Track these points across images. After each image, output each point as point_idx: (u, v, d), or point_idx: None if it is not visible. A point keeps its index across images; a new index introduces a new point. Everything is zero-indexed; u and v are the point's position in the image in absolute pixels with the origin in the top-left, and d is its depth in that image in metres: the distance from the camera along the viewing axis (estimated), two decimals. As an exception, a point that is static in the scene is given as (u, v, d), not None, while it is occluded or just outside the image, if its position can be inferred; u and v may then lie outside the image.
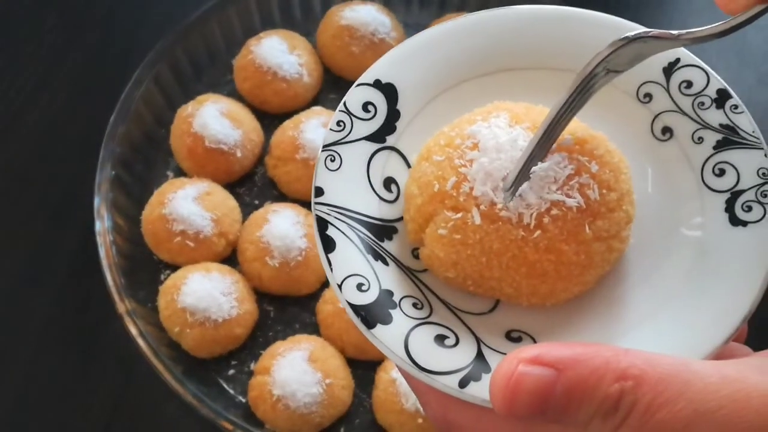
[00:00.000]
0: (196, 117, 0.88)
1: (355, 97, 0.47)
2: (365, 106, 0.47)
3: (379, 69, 0.48)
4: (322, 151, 0.45)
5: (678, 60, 0.47)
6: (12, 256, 0.88)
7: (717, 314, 0.41)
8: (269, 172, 0.91)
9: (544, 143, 0.41)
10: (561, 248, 0.42)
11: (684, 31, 0.39)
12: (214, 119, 0.88)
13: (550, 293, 0.43)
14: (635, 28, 0.43)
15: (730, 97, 0.46)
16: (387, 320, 0.41)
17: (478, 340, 0.42)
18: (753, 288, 0.41)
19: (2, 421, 0.80)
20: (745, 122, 0.46)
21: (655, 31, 0.40)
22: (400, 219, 0.46)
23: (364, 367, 0.81)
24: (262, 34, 0.96)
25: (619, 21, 0.48)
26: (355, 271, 0.42)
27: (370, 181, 0.46)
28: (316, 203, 0.44)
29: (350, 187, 0.45)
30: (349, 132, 0.46)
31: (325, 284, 0.85)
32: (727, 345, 0.40)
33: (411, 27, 0.99)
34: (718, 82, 0.47)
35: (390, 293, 0.43)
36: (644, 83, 0.48)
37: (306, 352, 0.78)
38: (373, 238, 0.44)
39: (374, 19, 0.95)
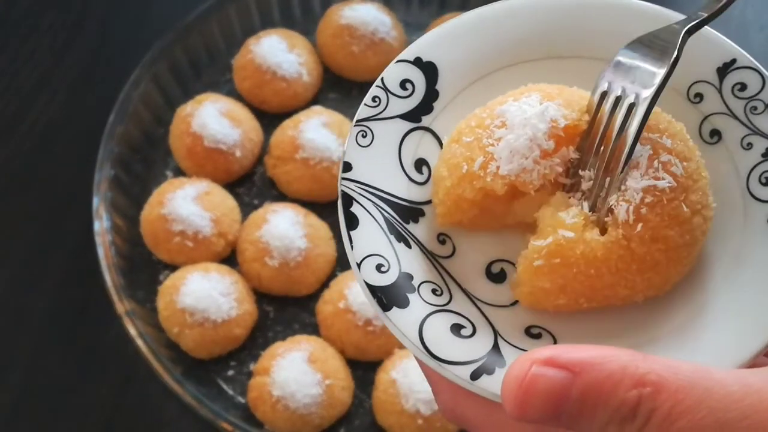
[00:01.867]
0: (195, 116, 0.88)
1: (393, 73, 0.45)
2: (403, 84, 0.45)
3: (421, 47, 0.46)
4: (355, 126, 0.44)
5: (734, 61, 0.45)
6: (11, 256, 0.88)
7: (752, 325, 0.40)
8: (269, 171, 0.90)
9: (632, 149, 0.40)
10: (667, 234, 0.40)
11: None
12: (214, 119, 0.88)
13: (665, 281, 0.42)
14: (679, 18, 0.43)
15: None
16: (403, 304, 0.41)
17: (496, 333, 0.41)
18: None
19: (2, 421, 0.80)
20: None
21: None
22: (429, 202, 0.45)
23: (364, 368, 0.81)
24: (262, 33, 0.96)
25: (662, 11, 0.46)
26: (376, 251, 0.41)
27: (401, 160, 0.45)
28: (343, 178, 0.43)
29: (380, 164, 0.44)
30: (384, 108, 0.45)
31: (325, 284, 0.85)
32: (759, 355, 0.39)
33: (411, 26, 0.99)
34: None
35: (410, 277, 0.42)
36: (696, 82, 0.45)
37: (306, 353, 0.78)
38: (399, 219, 0.43)
39: (374, 18, 0.95)
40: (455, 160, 0.43)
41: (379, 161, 0.44)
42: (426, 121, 0.46)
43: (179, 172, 0.91)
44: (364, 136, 0.44)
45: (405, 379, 0.76)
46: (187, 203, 0.84)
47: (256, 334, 0.83)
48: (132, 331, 0.77)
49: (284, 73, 0.92)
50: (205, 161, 0.88)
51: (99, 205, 0.83)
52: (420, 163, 0.45)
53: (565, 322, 0.43)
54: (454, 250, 0.45)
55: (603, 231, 0.41)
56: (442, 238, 0.45)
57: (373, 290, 0.41)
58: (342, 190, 0.42)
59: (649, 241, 0.40)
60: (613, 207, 0.40)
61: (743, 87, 0.45)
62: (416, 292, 0.41)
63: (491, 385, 0.38)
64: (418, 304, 0.41)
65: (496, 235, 0.45)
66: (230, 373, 0.82)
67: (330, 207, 0.88)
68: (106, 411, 0.80)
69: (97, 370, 0.82)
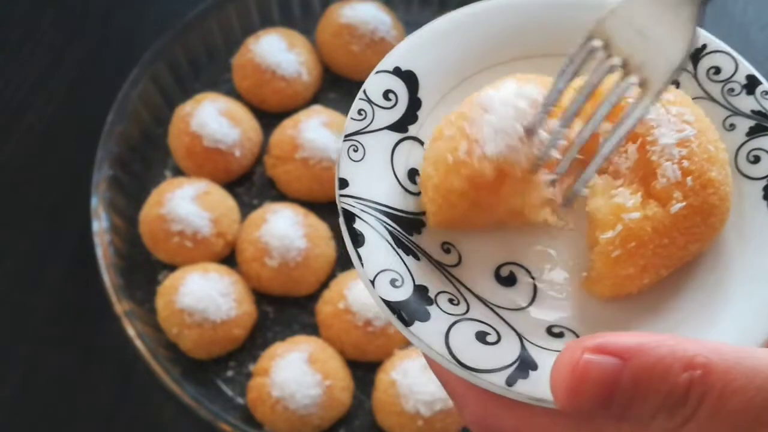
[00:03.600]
0: (195, 116, 0.88)
1: (375, 84, 0.45)
2: (386, 94, 0.45)
3: (399, 56, 0.46)
4: (345, 140, 0.43)
5: (705, 46, 0.46)
6: (9, 256, 0.88)
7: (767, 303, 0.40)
8: (268, 171, 0.90)
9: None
10: (711, 177, 0.41)
11: None
12: (213, 118, 0.88)
13: (722, 221, 0.42)
14: None
15: (760, 83, 0.45)
16: (425, 317, 0.40)
17: (520, 337, 0.41)
18: None
19: (2, 421, 0.80)
20: None
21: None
22: (425, 213, 0.44)
23: (364, 369, 0.81)
24: (261, 32, 0.95)
25: None
26: (387, 266, 0.40)
27: (394, 172, 0.44)
28: (341, 195, 0.42)
29: (375, 178, 0.43)
30: (371, 121, 0.44)
31: (325, 285, 0.85)
32: None
33: (411, 25, 0.99)
34: (746, 68, 0.45)
35: (425, 289, 0.41)
36: None
37: (305, 354, 0.78)
38: (403, 231, 0.43)
39: (374, 17, 0.94)
40: (440, 154, 0.42)
41: (374, 175, 0.43)
42: (413, 130, 0.45)
43: (178, 172, 0.90)
44: (355, 151, 0.43)
45: (405, 380, 0.75)
46: (186, 203, 0.83)
47: (256, 334, 0.83)
48: (131, 331, 0.77)
49: (284, 73, 0.92)
50: (204, 161, 0.88)
51: (98, 205, 0.83)
52: (413, 173, 0.45)
53: (581, 318, 0.43)
54: (460, 257, 0.44)
55: (650, 195, 0.41)
56: (446, 247, 0.44)
57: (392, 307, 0.39)
58: (343, 208, 0.41)
59: (701, 189, 0.41)
60: (655, 167, 0.40)
61: (718, 70, 0.46)
62: (434, 303, 0.41)
63: (529, 388, 0.38)
64: (439, 316, 0.40)
65: (497, 237, 0.45)
66: (229, 373, 0.81)
67: (330, 207, 0.88)
68: (104, 412, 0.80)
69: (95, 371, 0.82)
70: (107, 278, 0.79)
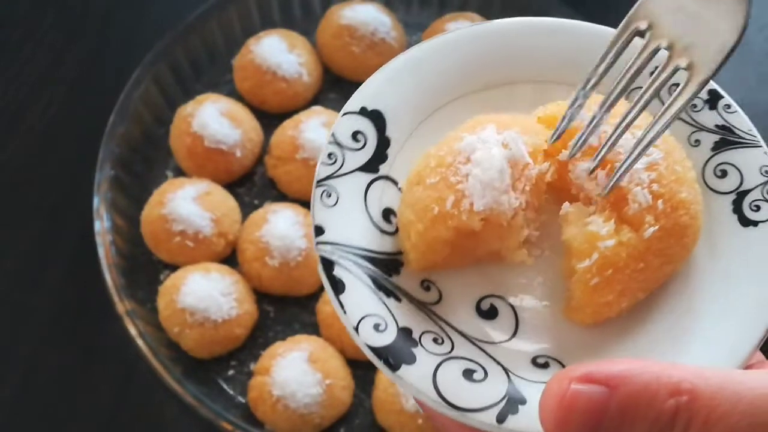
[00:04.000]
0: (196, 117, 0.88)
1: (343, 127, 0.45)
2: (354, 135, 0.45)
3: (364, 96, 0.46)
4: (317, 186, 0.43)
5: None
6: (12, 255, 0.88)
7: (744, 320, 0.40)
8: (269, 171, 0.91)
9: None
10: (681, 198, 0.41)
11: None
12: (214, 119, 0.88)
13: (694, 240, 0.42)
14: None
15: (721, 97, 0.46)
16: (411, 360, 0.40)
17: (506, 371, 0.41)
18: None
19: (3, 421, 0.80)
20: (740, 121, 0.45)
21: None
22: (402, 252, 0.44)
23: (364, 368, 0.81)
24: (262, 33, 0.96)
25: (605, 30, 0.46)
26: (369, 312, 0.40)
27: (369, 213, 0.44)
28: (318, 243, 0.42)
29: (350, 222, 0.43)
30: (342, 164, 0.44)
31: (325, 284, 0.85)
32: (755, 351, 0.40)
33: (411, 26, 0.99)
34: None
35: (408, 331, 0.41)
36: (632, 90, 0.45)
37: (306, 353, 0.78)
38: (382, 273, 0.43)
39: (374, 18, 0.95)
40: (423, 203, 0.42)
41: (349, 219, 0.43)
42: (384, 169, 0.45)
43: (180, 172, 0.91)
44: (328, 196, 0.43)
45: (405, 379, 0.76)
46: (187, 203, 0.84)
47: (257, 333, 0.84)
48: (132, 330, 0.77)
49: (284, 74, 0.92)
50: (205, 161, 0.88)
51: (100, 205, 0.83)
52: (387, 213, 0.45)
53: (563, 346, 0.43)
54: (440, 294, 0.44)
55: (623, 220, 0.41)
56: (426, 285, 0.44)
57: (378, 352, 0.39)
58: (321, 255, 0.41)
59: (672, 211, 0.41)
60: (625, 193, 0.41)
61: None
62: (419, 345, 0.41)
63: (519, 424, 0.38)
64: (425, 357, 0.40)
65: (475, 272, 0.45)
66: (230, 372, 0.82)
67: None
68: (106, 411, 0.80)
69: (97, 370, 0.82)
70: (109, 278, 0.80)
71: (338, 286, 0.41)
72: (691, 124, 0.46)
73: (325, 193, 0.43)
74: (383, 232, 0.44)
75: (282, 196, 0.90)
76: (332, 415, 0.78)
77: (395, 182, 0.45)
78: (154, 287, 0.83)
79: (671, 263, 0.42)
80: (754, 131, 0.45)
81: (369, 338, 0.40)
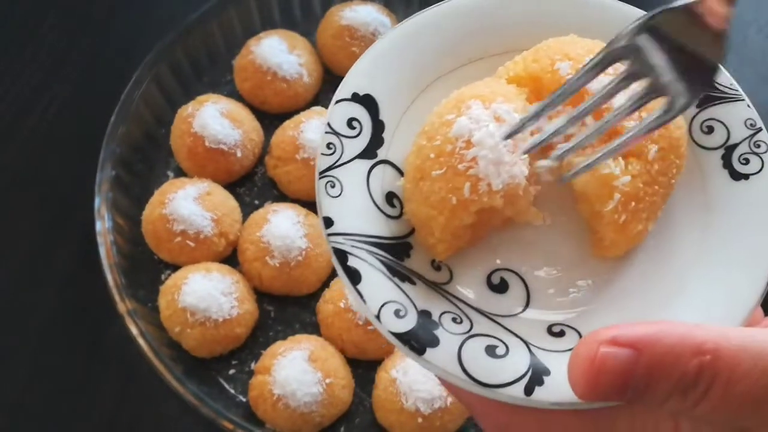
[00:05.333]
0: (197, 117, 0.88)
1: (337, 115, 0.45)
2: (350, 123, 0.45)
3: (354, 81, 0.46)
4: (320, 178, 0.43)
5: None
6: (13, 256, 0.88)
7: (745, 273, 0.41)
8: (269, 172, 0.91)
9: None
10: (672, 133, 0.43)
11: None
12: (214, 119, 0.88)
13: (685, 148, 0.44)
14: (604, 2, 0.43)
15: None
16: (434, 342, 0.40)
17: (526, 343, 0.42)
18: None
19: (4, 421, 0.80)
20: (722, 76, 0.46)
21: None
22: (410, 234, 0.44)
23: (364, 367, 0.81)
24: (262, 34, 0.96)
25: None
26: (388, 298, 0.40)
27: (373, 200, 0.44)
28: (329, 235, 0.41)
29: (357, 210, 0.43)
30: (342, 153, 0.44)
31: (326, 284, 0.85)
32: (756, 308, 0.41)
33: (411, 27, 0.99)
34: None
35: (428, 313, 0.41)
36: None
37: (306, 352, 0.78)
38: (394, 259, 0.43)
39: (374, 19, 0.95)
40: (437, 195, 0.42)
41: (355, 207, 0.43)
42: (382, 153, 0.45)
43: (180, 173, 0.91)
44: (332, 186, 0.43)
45: (405, 378, 0.76)
46: (188, 203, 0.84)
47: (257, 333, 0.84)
48: (133, 330, 0.78)
49: (285, 74, 0.92)
50: (206, 161, 0.88)
51: (101, 205, 0.84)
52: (390, 197, 0.45)
53: (575, 314, 0.44)
54: (451, 273, 0.44)
55: (626, 155, 0.42)
56: (436, 265, 0.44)
57: (402, 338, 0.39)
58: (333, 247, 0.41)
59: (664, 130, 0.42)
60: (619, 130, 0.42)
61: None
62: (440, 326, 0.41)
63: (547, 394, 0.39)
64: (448, 338, 0.40)
65: (481, 247, 0.45)
66: (231, 372, 0.82)
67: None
68: (107, 410, 0.80)
69: (98, 369, 0.82)
70: (110, 277, 0.80)
71: (354, 277, 0.41)
72: None
73: (329, 184, 0.43)
74: (389, 216, 0.44)
75: (282, 196, 0.90)
76: (332, 414, 0.78)
77: (394, 165, 0.46)
78: (155, 287, 0.84)
79: (676, 175, 0.43)
80: (736, 85, 0.46)
81: (392, 325, 0.40)
